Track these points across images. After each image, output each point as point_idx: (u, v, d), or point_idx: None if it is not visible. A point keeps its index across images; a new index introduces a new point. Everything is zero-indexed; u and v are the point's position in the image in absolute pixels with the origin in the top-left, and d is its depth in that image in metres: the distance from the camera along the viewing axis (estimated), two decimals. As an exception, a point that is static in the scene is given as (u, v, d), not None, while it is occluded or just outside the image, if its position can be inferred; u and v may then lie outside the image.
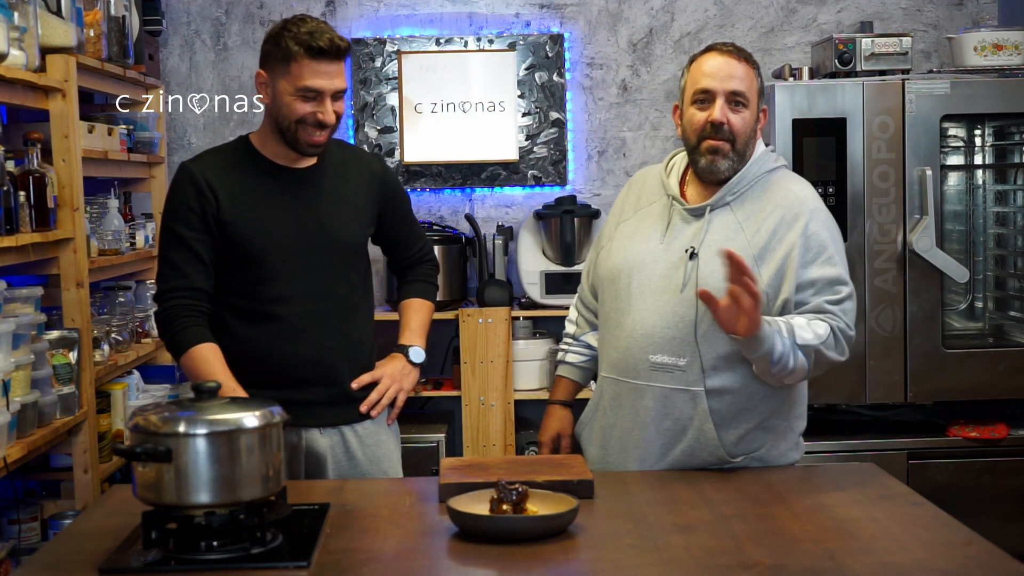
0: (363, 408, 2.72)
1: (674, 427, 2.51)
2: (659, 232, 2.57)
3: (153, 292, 4.02)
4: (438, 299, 3.12)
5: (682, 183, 2.62)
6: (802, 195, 2.53)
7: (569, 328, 2.84)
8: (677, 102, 2.62)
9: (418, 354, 2.81)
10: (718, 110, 2.49)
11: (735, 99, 2.49)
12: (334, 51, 2.56)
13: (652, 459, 2.54)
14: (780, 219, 2.49)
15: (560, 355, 2.84)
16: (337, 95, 2.60)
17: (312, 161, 2.71)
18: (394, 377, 2.76)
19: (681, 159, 2.65)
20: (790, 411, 2.57)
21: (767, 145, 3.70)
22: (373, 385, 2.74)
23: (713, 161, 2.51)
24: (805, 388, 2.63)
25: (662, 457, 2.53)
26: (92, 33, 3.56)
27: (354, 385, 2.71)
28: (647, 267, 2.55)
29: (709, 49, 2.56)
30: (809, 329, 2.40)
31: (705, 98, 2.51)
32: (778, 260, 2.47)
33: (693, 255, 2.50)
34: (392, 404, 2.77)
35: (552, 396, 2.83)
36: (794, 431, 2.60)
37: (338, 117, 2.62)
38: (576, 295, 2.86)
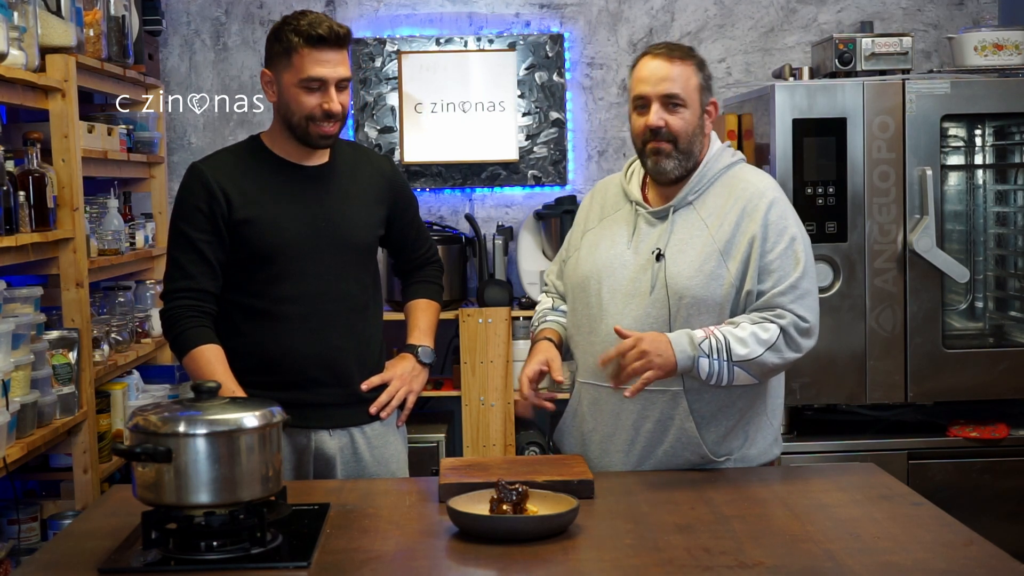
0: (373, 410, 2.72)
1: (655, 428, 2.52)
2: (626, 237, 2.59)
3: (153, 292, 4.07)
4: (437, 299, 3.12)
5: (643, 188, 2.64)
6: (761, 186, 2.55)
7: (545, 303, 2.78)
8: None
9: (427, 354, 2.81)
10: (653, 115, 2.52)
11: (670, 101, 2.51)
12: (333, 38, 2.57)
13: (634, 461, 2.55)
14: (741, 211, 2.51)
15: (539, 320, 2.75)
16: (341, 84, 2.61)
17: (324, 159, 2.71)
18: (404, 379, 2.75)
19: (639, 164, 2.67)
20: (766, 404, 2.58)
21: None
22: (383, 386, 2.74)
23: (657, 162, 2.54)
24: (782, 382, 2.65)
25: (644, 459, 2.54)
26: (92, 33, 3.56)
27: (364, 387, 2.71)
28: (616, 272, 2.56)
29: (645, 53, 2.57)
30: (751, 340, 2.41)
31: (643, 103, 2.54)
32: (742, 252, 2.48)
33: (659, 256, 2.52)
34: (402, 406, 2.77)
35: (538, 336, 2.70)
36: (772, 426, 2.61)
37: (344, 107, 2.62)
38: (542, 293, 2.85)
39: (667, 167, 2.54)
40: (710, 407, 2.50)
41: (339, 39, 2.59)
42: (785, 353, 2.44)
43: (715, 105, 2.59)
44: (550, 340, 2.68)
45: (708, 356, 2.39)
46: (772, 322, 2.44)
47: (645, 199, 2.62)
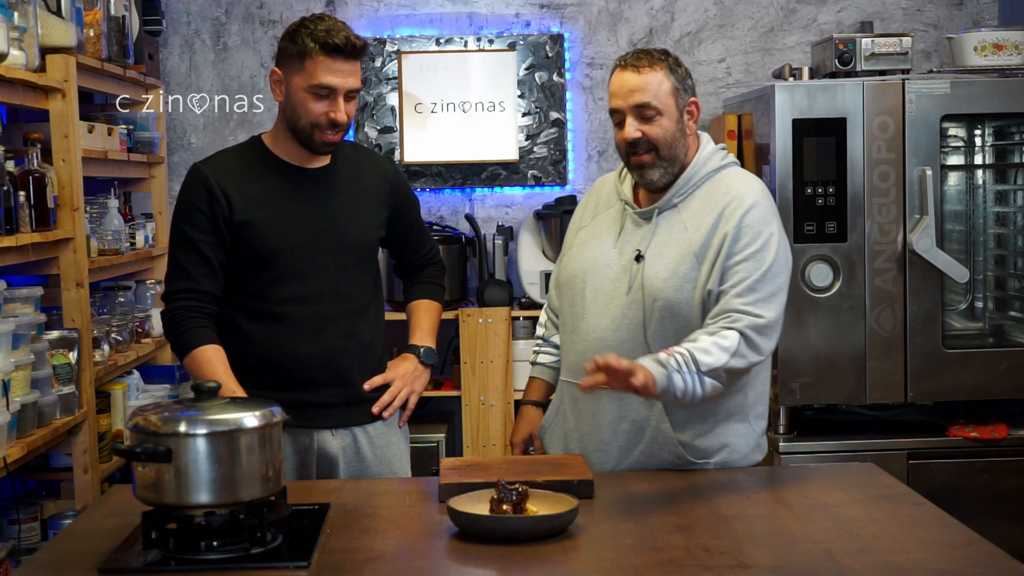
0: (375, 410, 2.72)
1: (631, 428, 2.52)
2: (612, 237, 2.59)
3: (154, 292, 4.07)
4: (438, 299, 3.13)
5: (636, 187, 2.64)
6: (743, 190, 2.51)
7: (539, 331, 2.86)
8: None
9: (429, 354, 2.81)
10: (629, 128, 2.50)
11: (643, 112, 2.49)
12: (350, 49, 2.57)
13: (612, 461, 2.55)
14: (719, 214, 2.48)
15: (532, 357, 2.85)
16: (351, 94, 2.61)
17: (325, 161, 2.72)
18: (406, 379, 2.76)
19: None
20: (749, 411, 2.56)
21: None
22: (385, 386, 2.74)
23: (643, 174, 2.54)
24: (766, 387, 2.61)
25: (622, 459, 2.54)
26: (92, 33, 3.56)
27: (366, 387, 2.71)
28: (600, 271, 2.57)
29: (616, 65, 2.56)
30: (713, 349, 2.35)
31: (619, 118, 2.54)
32: (713, 253, 2.46)
33: (639, 258, 2.51)
34: (404, 406, 2.77)
35: (525, 396, 2.82)
36: (755, 432, 2.59)
37: (350, 117, 2.62)
38: (546, 302, 2.88)
39: (653, 177, 2.53)
40: (685, 410, 2.48)
41: (355, 50, 2.58)
42: (749, 356, 2.40)
43: (696, 105, 2.55)
44: (536, 405, 2.77)
45: (679, 371, 2.32)
46: (728, 328, 2.38)
47: (636, 199, 2.62)
